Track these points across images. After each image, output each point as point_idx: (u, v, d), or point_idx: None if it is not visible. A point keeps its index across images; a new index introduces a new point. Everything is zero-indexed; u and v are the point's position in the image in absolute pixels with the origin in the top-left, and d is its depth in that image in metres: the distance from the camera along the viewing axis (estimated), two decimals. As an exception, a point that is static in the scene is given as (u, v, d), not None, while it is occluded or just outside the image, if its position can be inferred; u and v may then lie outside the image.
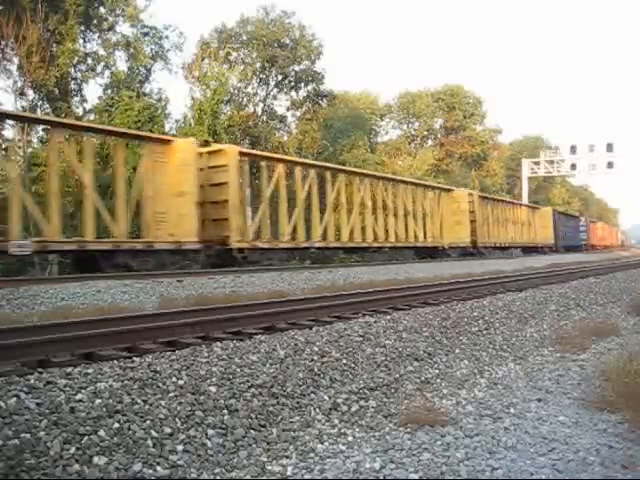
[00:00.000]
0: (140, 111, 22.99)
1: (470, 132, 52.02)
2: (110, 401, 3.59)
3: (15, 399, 3.41)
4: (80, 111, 25.66)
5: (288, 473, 3.49)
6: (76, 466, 3.03)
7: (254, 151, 21.21)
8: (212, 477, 3.35)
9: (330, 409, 4.44)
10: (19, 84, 22.89)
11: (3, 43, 21.95)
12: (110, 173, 16.78)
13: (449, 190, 29.26)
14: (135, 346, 5.05)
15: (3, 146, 17.37)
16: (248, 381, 4.35)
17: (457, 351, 6.43)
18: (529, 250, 36.94)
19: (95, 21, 25.89)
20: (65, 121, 16.10)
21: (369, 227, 21.90)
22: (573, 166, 48.80)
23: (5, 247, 11.16)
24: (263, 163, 17.86)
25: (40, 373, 3.92)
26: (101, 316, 6.25)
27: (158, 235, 14.26)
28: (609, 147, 45.96)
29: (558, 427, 4.16)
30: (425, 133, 53.20)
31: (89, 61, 26.22)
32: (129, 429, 3.41)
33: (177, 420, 3.65)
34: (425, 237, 25.50)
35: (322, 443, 3.93)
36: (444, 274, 14.85)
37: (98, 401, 3.56)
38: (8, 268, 14.95)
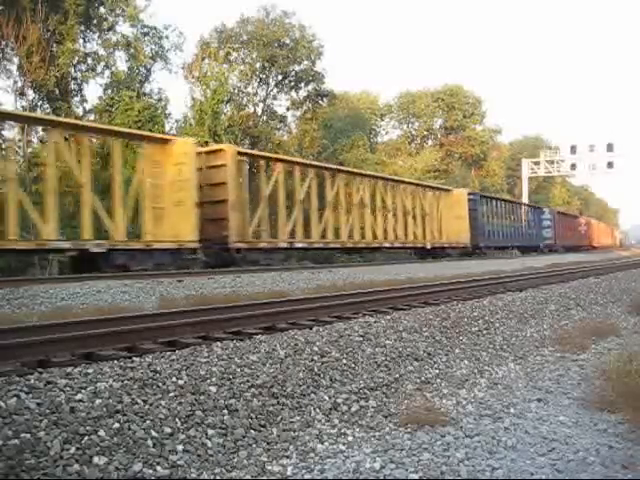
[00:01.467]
0: (140, 111, 23.04)
1: (470, 132, 52.04)
2: (110, 401, 3.59)
3: (15, 399, 3.41)
4: (80, 111, 25.68)
5: (288, 473, 3.49)
6: (76, 466, 3.03)
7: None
8: (212, 477, 3.36)
9: (330, 409, 4.44)
10: (19, 84, 22.88)
11: (3, 43, 21.95)
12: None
13: (164, 141, 15.29)
14: (135, 346, 5.05)
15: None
16: (248, 381, 4.34)
17: (457, 351, 6.43)
18: (424, 252, 25.11)
19: (95, 21, 25.89)
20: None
21: None
22: (573, 166, 48.83)
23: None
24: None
25: (40, 373, 3.92)
26: (101, 316, 6.25)
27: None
28: (609, 147, 46.02)
29: (558, 427, 4.16)
30: (425, 133, 53.24)
31: (89, 61, 26.23)
32: (129, 429, 3.41)
33: (177, 420, 3.65)
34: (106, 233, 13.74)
35: (322, 443, 3.93)
36: (445, 274, 14.87)
37: (98, 401, 3.56)
38: (8, 268, 14.96)
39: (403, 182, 25.65)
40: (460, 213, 27.45)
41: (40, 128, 18.14)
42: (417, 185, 26.60)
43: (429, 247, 25.30)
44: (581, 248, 46.25)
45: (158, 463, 3.27)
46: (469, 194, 29.13)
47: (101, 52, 26.55)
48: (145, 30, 27.32)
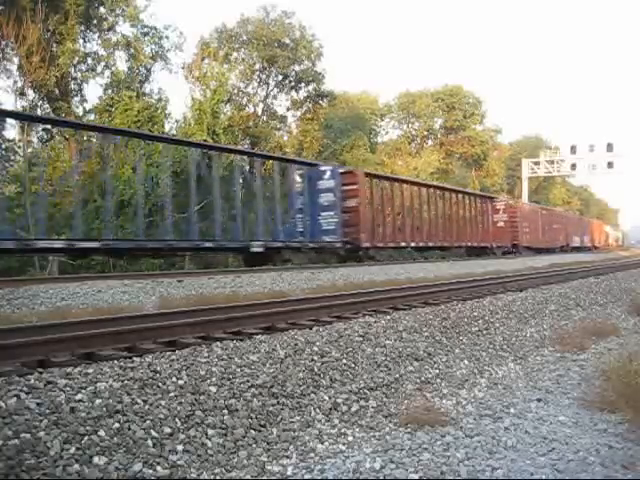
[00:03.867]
0: (140, 111, 23.01)
1: (470, 132, 51.96)
2: (110, 401, 3.59)
3: (15, 399, 3.41)
4: (80, 111, 25.68)
5: (288, 473, 3.49)
6: (76, 466, 3.03)
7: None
8: (212, 477, 3.35)
9: (330, 409, 4.44)
10: (19, 84, 22.88)
11: (3, 43, 21.95)
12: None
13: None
14: (135, 346, 5.04)
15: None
16: (248, 381, 4.34)
17: (457, 351, 6.42)
18: None
19: (95, 21, 25.88)
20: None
21: None
22: (573, 166, 48.76)
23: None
24: None
25: (40, 373, 3.92)
26: (101, 316, 6.24)
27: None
28: (609, 147, 45.96)
29: (558, 427, 4.16)
30: (425, 133, 53.19)
31: (89, 61, 26.21)
32: (129, 429, 3.41)
33: (177, 420, 3.65)
34: None
35: (322, 443, 3.93)
36: (445, 274, 14.87)
37: (98, 401, 3.56)
38: (8, 268, 14.95)
39: None
40: None
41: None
42: None
43: None
44: (487, 251, 29.26)
45: (158, 463, 3.27)
46: None
47: (101, 52, 26.56)
48: (145, 30, 27.28)
